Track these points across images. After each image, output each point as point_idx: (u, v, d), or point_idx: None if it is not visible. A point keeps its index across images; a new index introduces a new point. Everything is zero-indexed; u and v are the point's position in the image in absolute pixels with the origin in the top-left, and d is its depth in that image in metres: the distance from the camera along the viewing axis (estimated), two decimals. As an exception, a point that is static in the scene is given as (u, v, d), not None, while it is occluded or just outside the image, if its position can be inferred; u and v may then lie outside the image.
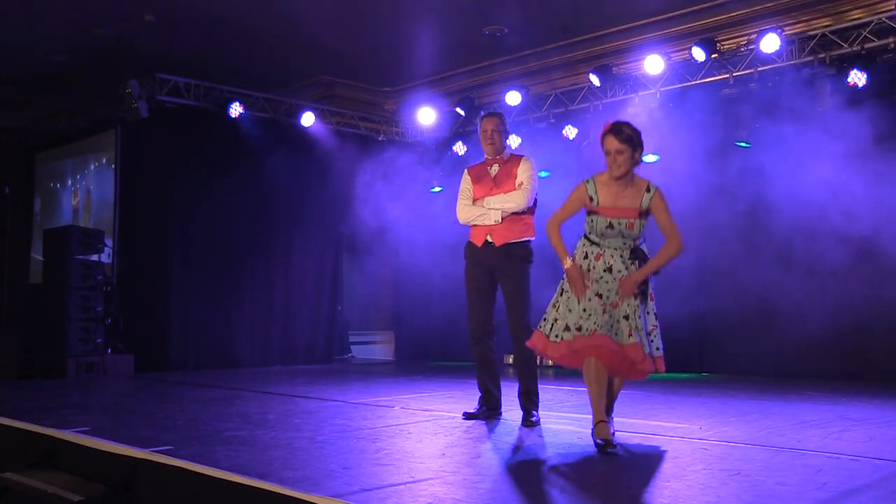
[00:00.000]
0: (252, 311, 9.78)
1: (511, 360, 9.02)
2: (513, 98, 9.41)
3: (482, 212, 4.94)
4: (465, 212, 5.01)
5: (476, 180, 5.06)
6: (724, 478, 3.29)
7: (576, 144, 9.07)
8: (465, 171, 5.19)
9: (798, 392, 6.44)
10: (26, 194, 11.45)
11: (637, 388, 6.51)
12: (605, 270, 4.07)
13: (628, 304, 4.02)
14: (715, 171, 8.02)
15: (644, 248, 4.19)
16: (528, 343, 4.33)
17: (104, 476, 3.64)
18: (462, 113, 10.10)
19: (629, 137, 4.02)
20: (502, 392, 5.17)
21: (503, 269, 4.92)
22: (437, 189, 10.49)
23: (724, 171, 8.06)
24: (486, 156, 5.10)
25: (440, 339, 10.59)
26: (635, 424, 4.61)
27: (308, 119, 9.93)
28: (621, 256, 4.08)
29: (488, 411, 5.05)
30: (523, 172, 4.95)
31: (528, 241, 4.98)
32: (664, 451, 3.92)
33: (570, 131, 9.23)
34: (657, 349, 4.10)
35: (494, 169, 5.03)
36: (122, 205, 9.57)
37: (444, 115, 10.40)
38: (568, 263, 4.11)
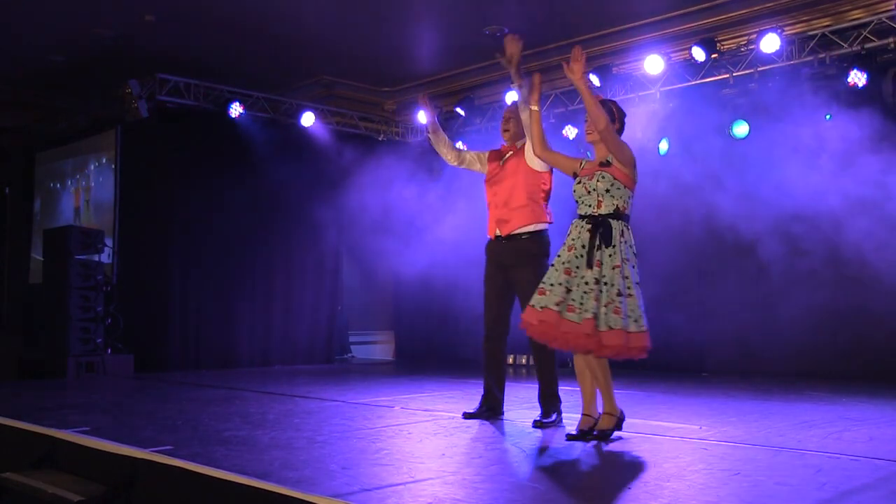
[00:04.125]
0: (252, 311, 9.78)
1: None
2: (513, 98, 9.39)
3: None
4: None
5: (490, 160, 5.19)
6: (724, 478, 3.29)
7: (576, 144, 9.07)
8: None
9: (798, 392, 6.44)
10: (26, 194, 11.45)
11: (637, 388, 6.51)
12: (579, 244, 4.18)
13: (588, 281, 4.07)
14: (714, 170, 8.02)
15: (615, 224, 4.13)
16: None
17: (104, 476, 3.64)
18: (462, 113, 10.09)
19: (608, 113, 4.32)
20: (505, 394, 5.13)
21: (515, 266, 4.86)
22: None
23: (723, 171, 8.06)
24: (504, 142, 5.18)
25: (440, 339, 10.58)
26: (636, 424, 4.61)
27: (308, 119, 9.93)
28: (588, 231, 4.15)
29: (488, 411, 4.99)
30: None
31: (542, 231, 4.90)
32: (664, 451, 3.92)
33: (570, 131, 9.23)
34: (611, 325, 4.01)
35: (508, 155, 5.09)
36: (122, 205, 9.57)
37: (444, 115, 10.39)
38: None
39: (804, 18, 8.39)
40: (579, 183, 4.31)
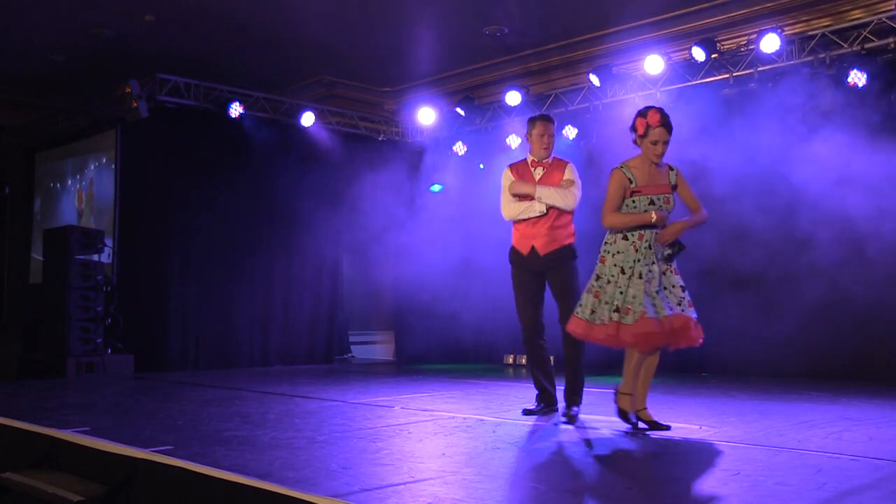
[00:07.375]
0: (252, 311, 9.77)
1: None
2: (513, 98, 9.41)
3: (526, 205, 5.09)
4: (510, 209, 5.16)
5: (519, 178, 5.19)
6: (724, 478, 3.29)
7: (576, 144, 9.07)
8: (507, 168, 5.29)
9: (798, 392, 6.44)
10: (26, 194, 11.44)
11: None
12: (647, 248, 4.44)
13: (666, 278, 4.46)
14: (714, 170, 8.02)
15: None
16: (567, 328, 4.60)
17: (104, 476, 3.64)
18: (462, 113, 10.10)
19: (671, 131, 4.55)
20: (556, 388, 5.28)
21: (550, 269, 5.09)
22: (437, 188, 10.49)
23: (723, 171, 8.05)
24: (531, 157, 5.22)
25: (440, 340, 10.58)
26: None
27: (308, 119, 9.93)
28: (655, 235, 4.46)
29: (546, 408, 5.19)
30: (570, 175, 5.13)
31: (571, 244, 5.15)
32: (665, 452, 3.92)
33: (570, 131, 9.22)
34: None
35: (538, 171, 5.16)
36: (122, 205, 9.57)
37: (444, 115, 10.40)
38: (652, 215, 4.43)
39: (804, 18, 8.40)
40: (651, 203, 4.48)
